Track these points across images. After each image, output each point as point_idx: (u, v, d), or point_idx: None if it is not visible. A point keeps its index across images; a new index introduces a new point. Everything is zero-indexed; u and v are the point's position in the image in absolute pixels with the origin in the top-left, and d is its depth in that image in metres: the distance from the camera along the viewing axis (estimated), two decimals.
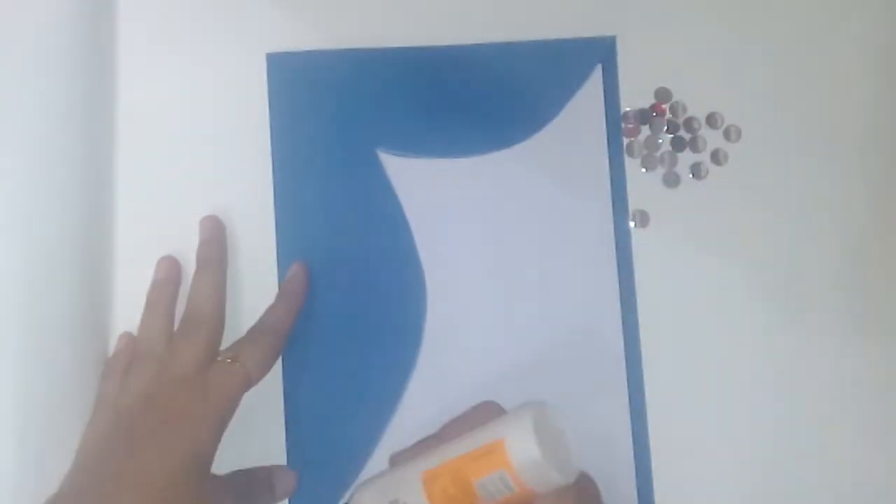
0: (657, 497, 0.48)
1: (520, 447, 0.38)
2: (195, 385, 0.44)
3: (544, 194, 0.50)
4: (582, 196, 0.50)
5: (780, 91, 0.51)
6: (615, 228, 0.50)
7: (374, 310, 0.49)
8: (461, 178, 0.50)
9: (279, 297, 0.48)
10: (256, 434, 0.47)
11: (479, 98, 0.50)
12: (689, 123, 0.51)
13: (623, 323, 0.49)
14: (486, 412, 0.42)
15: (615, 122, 0.51)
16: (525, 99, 0.50)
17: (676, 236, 0.50)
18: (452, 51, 0.51)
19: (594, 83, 0.51)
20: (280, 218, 0.49)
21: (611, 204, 0.50)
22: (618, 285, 0.50)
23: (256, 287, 0.49)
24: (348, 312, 0.49)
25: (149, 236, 0.49)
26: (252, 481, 0.45)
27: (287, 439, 0.48)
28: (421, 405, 0.48)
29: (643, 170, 0.50)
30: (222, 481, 0.44)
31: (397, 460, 0.45)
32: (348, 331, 0.49)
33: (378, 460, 0.48)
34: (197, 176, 0.50)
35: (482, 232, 0.50)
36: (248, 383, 0.45)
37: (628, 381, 0.49)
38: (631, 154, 0.51)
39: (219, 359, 0.45)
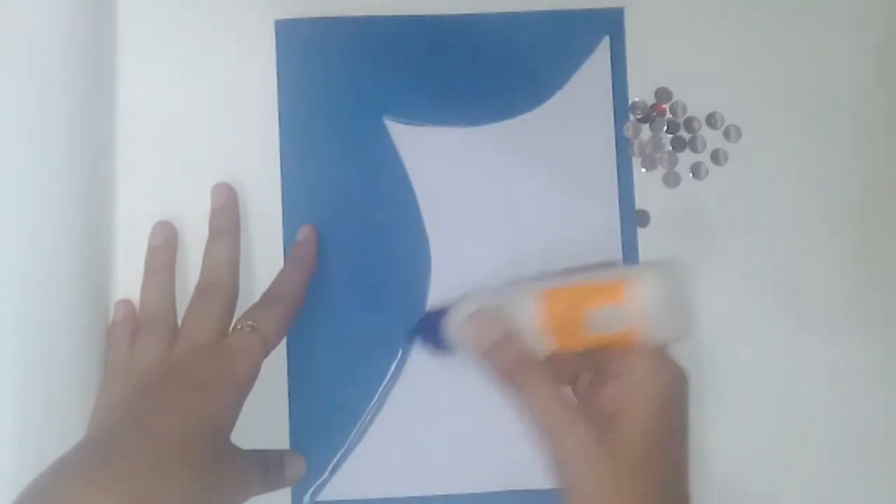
0: None
1: (640, 289, 0.39)
2: (216, 352, 0.44)
3: (550, 164, 0.50)
4: (588, 165, 0.50)
5: (780, 91, 0.51)
6: (620, 197, 0.50)
7: (379, 278, 0.49)
8: (467, 146, 0.50)
9: (292, 261, 0.48)
10: (260, 394, 0.46)
11: (485, 67, 0.50)
12: (689, 123, 0.51)
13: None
14: (609, 265, 0.44)
15: (622, 94, 0.51)
16: (532, 69, 0.50)
17: (676, 236, 0.50)
18: (460, 20, 0.51)
19: (601, 54, 0.51)
20: (286, 185, 0.50)
21: (616, 173, 0.50)
22: (621, 257, 0.50)
23: (263, 253, 0.49)
24: (352, 280, 0.49)
25: (154, 204, 0.49)
26: (266, 462, 0.46)
27: (290, 402, 0.48)
28: (423, 374, 0.49)
29: (643, 170, 0.50)
30: (241, 453, 0.44)
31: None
32: (352, 298, 0.49)
33: (378, 430, 0.48)
34: (204, 143, 0.50)
35: (487, 200, 0.50)
36: (267, 349, 0.45)
37: None
38: (631, 154, 0.51)
39: (238, 326, 0.45)
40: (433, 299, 0.49)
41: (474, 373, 0.48)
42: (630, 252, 0.50)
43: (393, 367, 0.49)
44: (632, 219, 0.50)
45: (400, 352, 0.49)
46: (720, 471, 0.49)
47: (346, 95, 0.50)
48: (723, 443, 0.49)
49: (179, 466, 0.39)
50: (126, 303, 0.48)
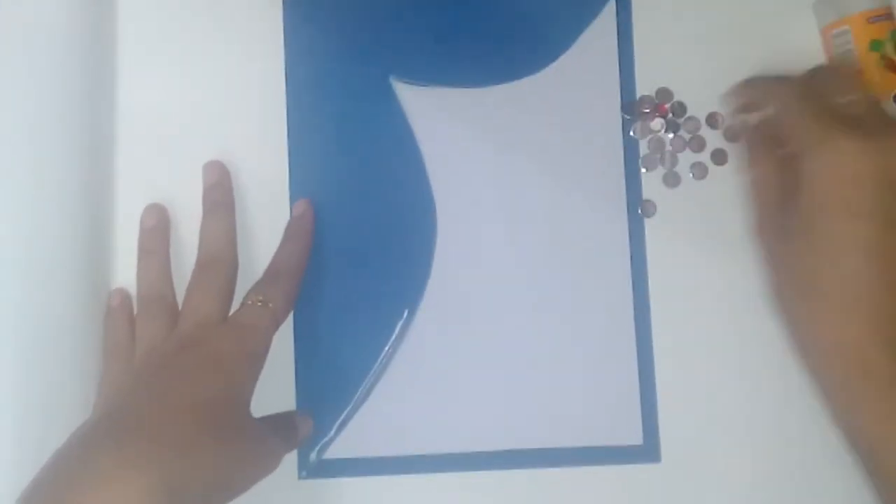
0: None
1: None
2: (229, 327, 0.44)
3: (557, 126, 0.50)
4: (594, 126, 0.50)
5: None
6: (625, 160, 0.50)
7: (384, 239, 0.49)
8: (474, 108, 0.50)
9: (290, 237, 0.48)
10: (267, 361, 0.46)
11: (492, 28, 0.50)
12: (689, 123, 0.51)
13: (632, 256, 0.50)
14: None
15: (628, 57, 0.51)
16: (538, 30, 0.50)
17: (677, 236, 0.50)
18: None
19: (607, 16, 0.50)
20: (293, 148, 0.50)
21: (621, 136, 0.50)
22: (626, 220, 0.50)
23: (269, 220, 0.49)
24: (358, 241, 0.49)
25: (154, 190, 0.49)
26: (278, 426, 0.46)
27: (296, 361, 0.49)
28: (429, 334, 0.49)
29: (643, 170, 0.50)
30: (261, 424, 0.44)
31: None
32: (357, 259, 0.49)
33: (383, 389, 0.49)
34: (210, 106, 0.50)
35: (494, 163, 0.50)
36: (277, 324, 0.45)
37: (635, 320, 0.50)
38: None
39: (248, 302, 0.45)
40: (438, 261, 0.49)
41: (478, 332, 0.49)
42: (634, 213, 0.50)
43: (398, 328, 0.49)
44: (637, 177, 0.50)
45: (405, 312, 0.49)
46: (714, 497, 0.49)
47: (353, 55, 0.50)
48: (722, 441, 0.49)
49: (205, 441, 0.39)
50: (121, 291, 0.48)
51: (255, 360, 0.44)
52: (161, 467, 0.37)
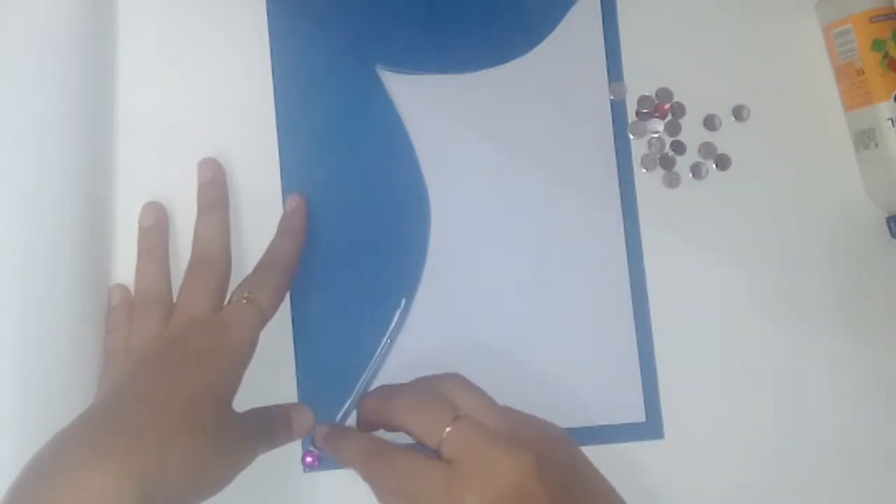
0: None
1: None
2: (214, 325, 0.44)
3: (545, 108, 0.50)
4: (583, 106, 0.50)
5: (779, 92, 0.51)
6: (615, 136, 0.50)
7: (379, 228, 0.50)
8: (462, 94, 0.50)
9: (281, 232, 0.49)
10: (266, 348, 0.46)
11: (476, 13, 0.50)
12: (689, 123, 0.51)
13: (626, 237, 0.50)
14: None
15: (613, 35, 0.51)
16: (522, 12, 0.50)
17: (676, 236, 0.50)
18: None
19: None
20: (283, 142, 0.50)
21: (610, 114, 0.50)
22: (620, 202, 0.50)
23: (262, 215, 0.49)
24: (353, 231, 0.49)
25: (153, 185, 0.49)
26: (271, 419, 0.46)
27: (296, 355, 0.49)
28: (427, 321, 0.49)
29: (643, 170, 0.50)
30: (243, 417, 0.44)
31: None
32: (354, 251, 0.49)
33: (384, 378, 0.48)
34: (202, 104, 0.50)
35: (485, 148, 0.50)
36: (264, 320, 0.45)
37: (634, 313, 0.50)
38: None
39: (233, 299, 0.45)
40: (433, 247, 0.49)
41: (477, 316, 0.49)
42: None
43: (396, 316, 0.49)
44: (627, 152, 0.50)
45: (403, 301, 0.49)
46: (718, 471, 0.49)
47: (338, 45, 0.50)
48: (725, 416, 0.49)
49: (182, 434, 0.40)
50: (121, 287, 0.48)
51: (238, 355, 0.44)
52: (136, 456, 0.37)
